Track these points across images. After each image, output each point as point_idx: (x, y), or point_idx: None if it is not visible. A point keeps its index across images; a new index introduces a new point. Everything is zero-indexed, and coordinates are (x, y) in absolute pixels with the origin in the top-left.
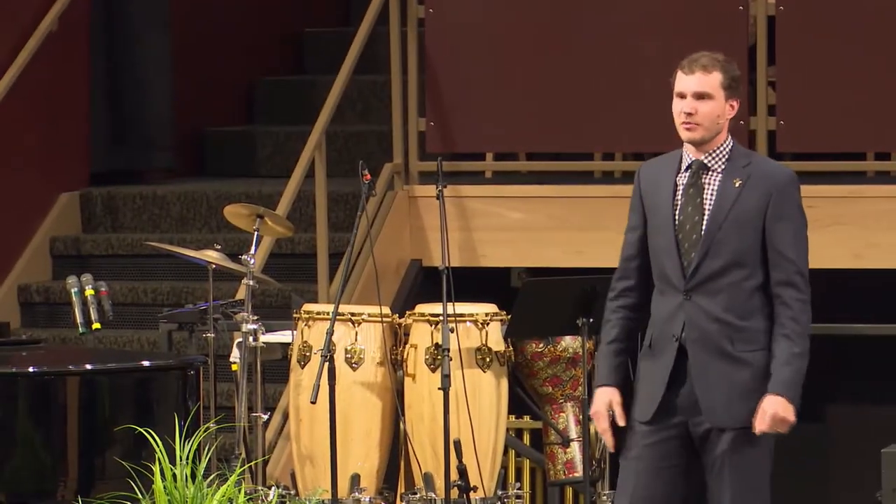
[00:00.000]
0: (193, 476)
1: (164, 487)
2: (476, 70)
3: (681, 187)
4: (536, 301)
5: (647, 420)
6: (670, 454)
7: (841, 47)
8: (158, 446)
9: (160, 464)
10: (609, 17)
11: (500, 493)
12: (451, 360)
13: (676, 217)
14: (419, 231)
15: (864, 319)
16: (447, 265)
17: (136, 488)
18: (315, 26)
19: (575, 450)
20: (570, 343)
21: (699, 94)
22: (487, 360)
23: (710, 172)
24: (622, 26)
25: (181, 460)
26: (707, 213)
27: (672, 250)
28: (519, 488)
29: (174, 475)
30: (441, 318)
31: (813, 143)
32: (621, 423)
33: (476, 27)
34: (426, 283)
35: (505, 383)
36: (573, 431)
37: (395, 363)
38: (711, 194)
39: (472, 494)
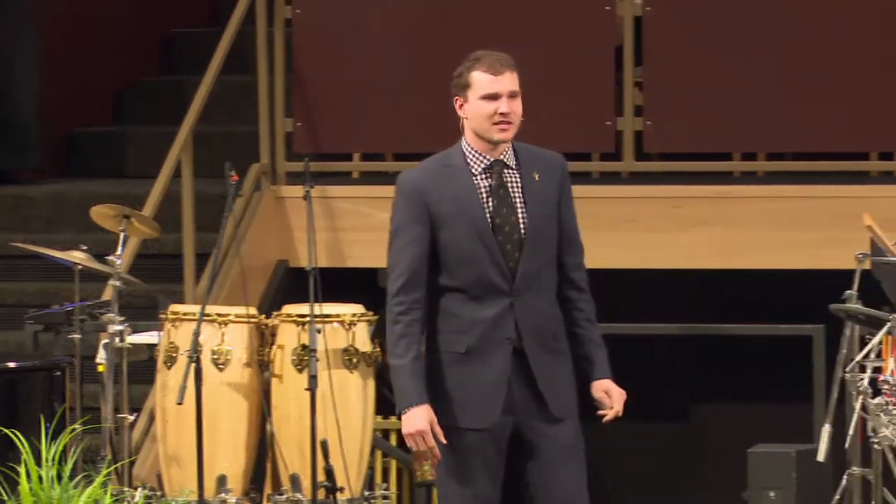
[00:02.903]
0: (59, 477)
1: (30, 489)
2: (343, 70)
3: (483, 189)
4: None
5: (486, 426)
6: (498, 457)
7: (708, 48)
8: (24, 447)
9: (26, 465)
10: (475, 19)
11: (366, 493)
12: (318, 360)
13: (491, 220)
14: (286, 231)
15: (731, 319)
16: (314, 266)
17: (1, 490)
18: (183, 27)
19: None
20: None
21: (513, 94)
22: (354, 360)
23: (508, 170)
24: (488, 27)
25: (47, 462)
26: (521, 211)
27: (495, 254)
28: (386, 489)
29: (40, 477)
30: (308, 318)
31: (680, 144)
32: (444, 440)
33: (344, 28)
34: (293, 284)
35: (372, 384)
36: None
37: (261, 364)
38: (518, 192)
39: (338, 495)
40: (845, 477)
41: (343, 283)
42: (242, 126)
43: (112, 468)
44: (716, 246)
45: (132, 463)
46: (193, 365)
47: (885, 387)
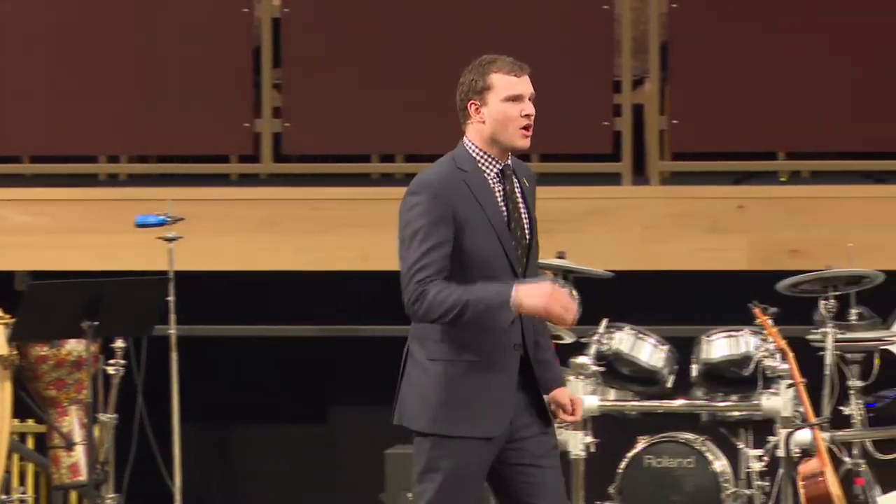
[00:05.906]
0: None
1: None
2: None
3: (498, 194)
4: (41, 304)
5: (496, 435)
6: (488, 467)
7: (345, 50)
8: None
9: None
10: (117, 20)
11: (3, 497)
12: None
13: (508, 225)
14: None
15: (371, 321)
16: None
17: None
18: None
19: (80, 453)
20: (74, 346)
21: (532, 96)
22: None
23: (514, 176)
24: (129, 27)
25: None
26: (524, 217)
27: (512, 259)
28: (23, 492)
29: None
30: None
31: (318, 146)
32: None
33: None
34: None
35: (9, 387)
36: (77, 435)
37: None
38: (520, 198)
39: None
40: None
41: None
42: None
43: None
44: (355, 248)
45: None
46: None
47: None
